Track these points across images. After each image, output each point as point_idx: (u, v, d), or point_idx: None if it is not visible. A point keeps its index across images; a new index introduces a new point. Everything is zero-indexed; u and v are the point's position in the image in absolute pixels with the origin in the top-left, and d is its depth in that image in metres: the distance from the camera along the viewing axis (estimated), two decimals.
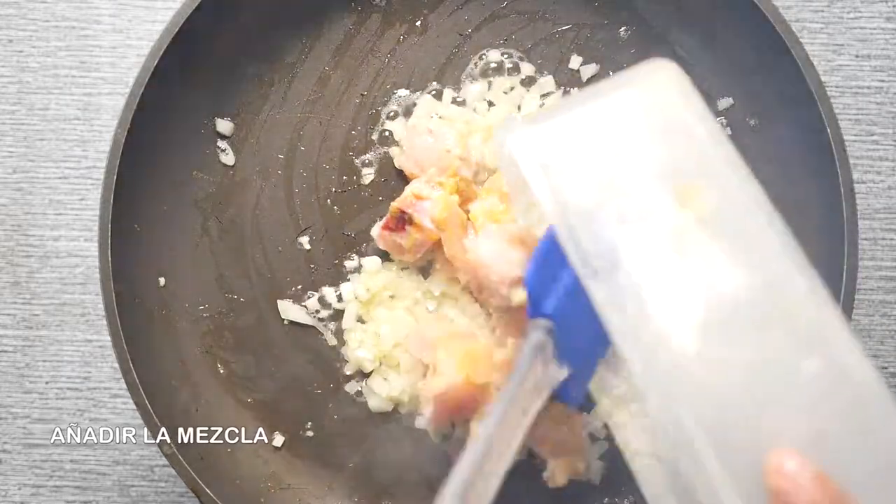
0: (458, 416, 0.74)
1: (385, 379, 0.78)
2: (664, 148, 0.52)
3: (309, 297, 0.80)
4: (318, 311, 0.80)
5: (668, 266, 0.48)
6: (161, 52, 0.73)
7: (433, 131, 0.76)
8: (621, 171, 0.52)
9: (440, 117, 0.79)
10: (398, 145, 0.80)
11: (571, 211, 0.51)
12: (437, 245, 0.76)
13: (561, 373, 0.59)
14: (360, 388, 0.79)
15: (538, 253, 0.59)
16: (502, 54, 0.81)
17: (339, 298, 0.80)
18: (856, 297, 0.72)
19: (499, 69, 0.81)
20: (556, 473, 0.74)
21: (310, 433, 0.79)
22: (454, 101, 0.81)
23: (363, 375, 0.79)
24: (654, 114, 0.53)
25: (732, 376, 0.46)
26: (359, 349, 0.78)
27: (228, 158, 0.80)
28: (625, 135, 0.53)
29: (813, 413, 0.45)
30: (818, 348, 0.46)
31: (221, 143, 0.80)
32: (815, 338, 0.46)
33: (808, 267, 0.48)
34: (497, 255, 0.67)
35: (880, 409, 0.44)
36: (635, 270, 0.48)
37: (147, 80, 0.73)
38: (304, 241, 0.80)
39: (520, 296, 0.65)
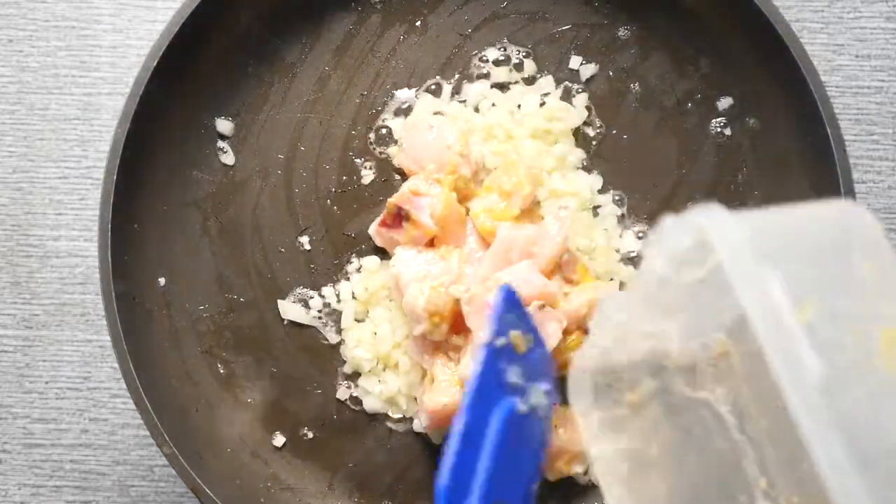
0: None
1: (380, 380, 0.78)
2: (872, 285, 0.48)
3: (309, 297, 0.80)
4: (317, 311, 0.80)
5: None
6: (161, 52, 0.73)
7: (434, 127, 0.76)
8: (832, 292, 0.46)
9: (441, 114, 0.79)
10: (398, 144, 0.80)
11: (785, 317, 0.45)
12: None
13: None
14: (358, 389, 0.79)
15: (475, 383, 0.59)
16: (502, 54, 0.81)
17: (339, 298, 0.80)
18: None
19: (498, 69, 0.81)
20: (549, 472, 0.74)
21: (310, 433, 0.79)
22: (454, 101, 0.81)
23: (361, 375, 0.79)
24: (859, 248, 0.48)
25: None
26: (357, 348, 0.78)
27: (228, 158, 0.80)
28: (833, 255, 0.48)
29: None
30: None
31: (221, 143, 0.80)
32: None
33: None
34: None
35: None
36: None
37: (147, 80, 0.73)
38: (304, 241, 0.80)
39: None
